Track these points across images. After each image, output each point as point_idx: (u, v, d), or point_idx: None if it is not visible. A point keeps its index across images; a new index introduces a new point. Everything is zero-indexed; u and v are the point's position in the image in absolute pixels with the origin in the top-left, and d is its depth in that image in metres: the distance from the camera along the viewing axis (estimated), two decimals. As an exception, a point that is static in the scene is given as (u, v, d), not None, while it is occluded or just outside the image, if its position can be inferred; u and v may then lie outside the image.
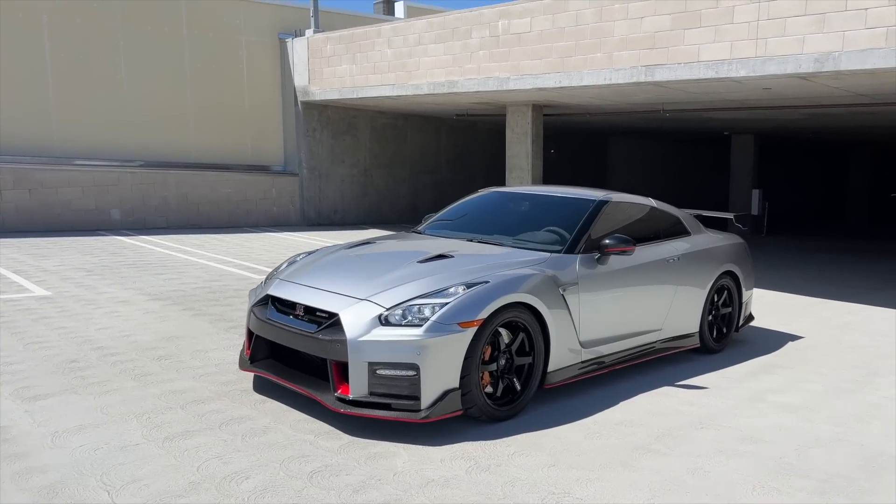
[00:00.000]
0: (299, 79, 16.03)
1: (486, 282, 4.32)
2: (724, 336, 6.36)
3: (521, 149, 13.85)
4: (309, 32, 15.72)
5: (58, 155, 13.58)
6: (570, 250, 5.02)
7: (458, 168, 19.88)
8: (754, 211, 20.26)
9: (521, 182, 13.78)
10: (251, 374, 5.00)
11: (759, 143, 21.15)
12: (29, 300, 7.31)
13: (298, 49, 15.89)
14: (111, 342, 5.82)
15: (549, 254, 4.96)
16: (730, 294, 6.43)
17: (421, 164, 19.01)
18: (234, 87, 15.90)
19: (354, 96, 14.71)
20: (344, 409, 4.02)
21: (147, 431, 4.00)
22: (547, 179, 15.33)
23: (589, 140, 23.96)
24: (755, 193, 20.41)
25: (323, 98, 15.58)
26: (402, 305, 4.14)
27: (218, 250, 11.62)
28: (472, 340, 4.07)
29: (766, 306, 8.48)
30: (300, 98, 16.12)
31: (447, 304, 4.11)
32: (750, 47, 8.80)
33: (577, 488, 3.48)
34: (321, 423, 4.19)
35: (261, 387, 4.81)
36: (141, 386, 4.77)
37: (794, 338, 6.99)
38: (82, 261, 9.91)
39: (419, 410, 3.96)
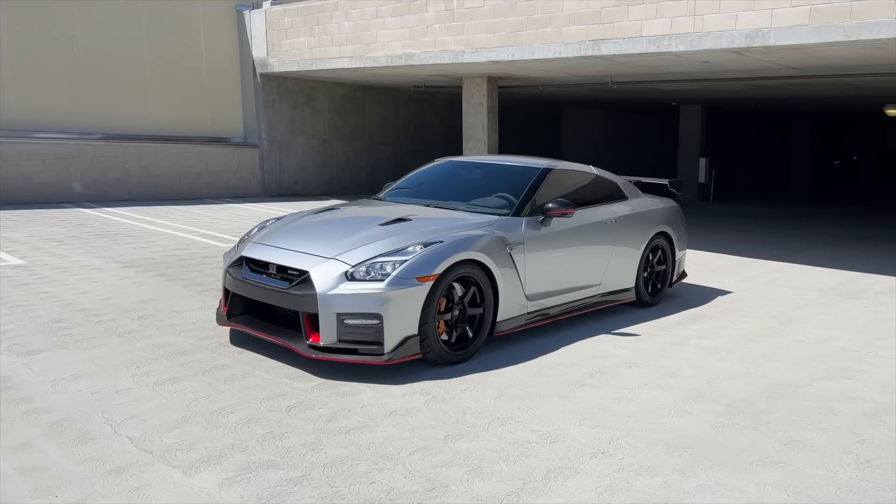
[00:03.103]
0: (258, 51, 16.18)
1: (441, 241, 4.84)
2: (658, 291, 7.01)
3: (477, 120, 14.33)
4: (266, 4, 15.85)
5: (16, 128, 13.60)
6: (517, 213, 5.57)
7: (417, 139, 20.28)
8: (701, 179, 21.13)
9: (478, 152, 14.28)
10: (227, 331, 5.46)
11: (707, 113, 21.99)
12: (5, 268, 7.60)
13: (256, 21, 16.02)
14: (92, 304, 6.20)
15: (497, 217, 5.50)
16: (664, 253, 7.07)
17: (380, 136, 19.36)
18: (193, 60, 15.99)
19: (313, 68, 14.97)
20: (316, 354, 4.53)
21: (137, 378, 4.45)
22: (503, 149, 15.86)
23: (544, 111, 24.51)
24: (702, 162, 21.27)
25: (281, 70, 15.79)
26: (365, 263, 4.64)
27: (183, 221, 11.91)
28: (429, 293, 4.60)
29: (703, 266, 9.20)
30: (259, 70, 16.29)
31: (406, 261, 4.62)
32: (688, 23, 9.39)
33: (519, 414, 4.06)
34: (294, 368, 4.69)
35: (237, 340, 5.27)
36: (126, 341, 5.20)
37: (723, 293, 7.69)
38: (50, 232, 10.14)
39: (383, 354, 4.49)
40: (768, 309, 7.00)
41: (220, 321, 5.25)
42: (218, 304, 5.58)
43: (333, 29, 14.24)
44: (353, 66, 13.98)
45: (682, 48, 9.50)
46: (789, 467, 3.52)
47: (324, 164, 18.11)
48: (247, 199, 16.20)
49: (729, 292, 7.73)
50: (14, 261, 8.04)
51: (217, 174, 16.18)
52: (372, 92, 18.89)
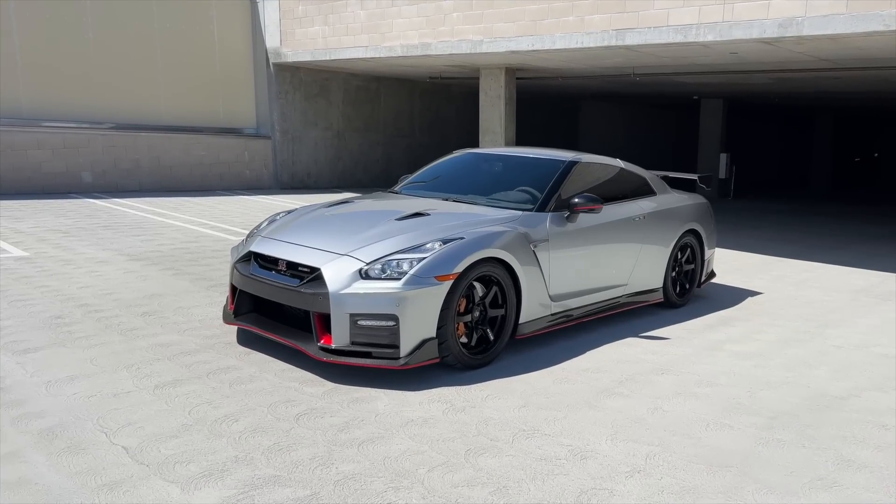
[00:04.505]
0: (271, 40, 15.89)
1: (462, 238, 4.53)
2: (686, 291, 6.68)
3: (494, 112, 13.98)
4: (280, -7, 15.56)
5: (26, 117, 13.39)
6: (541, 209, 5.25)
7: (433, 131, 19.95)
8: (721, 174, 20.68)
9: (495, 144, 13.94)
10: (234, 329, 5.19)
11: (728, 107, 21.50)
12: (7, 260, 7.36)
13: (270, 10, 15.73)
14: (94, 300, 5.95)
15: (521, 212, 5.18)
16: (693, 252, 6.73)
17: (394, 128, 19.04)
18: (205, 49, 15.72)
19: (327, 58, 14.67)
20: (327, 357, 4.24)
21: (137, 380, 4.18)
22: (519, 142, 15.52)
23: (561, 103, 24.11)
24: (723, 157, 20.82)
25: (295, 60, 15.50)
26: (381, 260, 4.34)
27: (193, 213, 11.67)
28: (448, 293, 4.30)
29: (729, 264, 8.84)
30: (272, 60, 16.01)
31: (424, 258, 4.32)
32: (717, 12, 9.00)
33: (545, 426, 3.75)
34: (304, 371, 4.41)
35: (244, 340, 5.00)
36: (127, 340, 4.93)
37: (753, 293, 7.34)
38: (57, 223, 9.92)
39: (398, 358, 4.20)
40: (801, 311, 6.65)
41: (226, 319, 4.97)
42: (225, 302, 5.30)
43: (348, 18, 13.93)
44: (368, 55, 13.66)
45: (710, 38, 9.11)
46: (845, 491, 3.19)
47: (337, 157, 17.82)
48: (259, 191, 15.95)
49: (758, 293, 7.38)
50: (17, 252, 7.81)
51: (229, 165, 15.93)
52: (387, 83, 18.57)
